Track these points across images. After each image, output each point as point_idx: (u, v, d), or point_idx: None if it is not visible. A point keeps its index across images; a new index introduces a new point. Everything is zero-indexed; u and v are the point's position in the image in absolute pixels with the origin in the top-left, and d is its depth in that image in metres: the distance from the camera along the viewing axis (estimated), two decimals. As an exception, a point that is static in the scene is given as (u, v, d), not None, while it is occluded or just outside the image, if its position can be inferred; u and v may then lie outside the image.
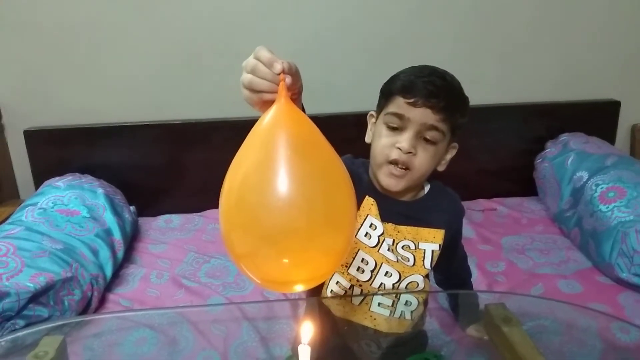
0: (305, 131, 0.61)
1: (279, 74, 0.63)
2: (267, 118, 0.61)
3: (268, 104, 0.64)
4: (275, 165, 0.57)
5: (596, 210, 1.65)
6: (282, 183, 0.56)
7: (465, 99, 0.93)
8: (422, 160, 0.89)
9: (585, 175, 1.79)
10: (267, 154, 0.58)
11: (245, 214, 0.58)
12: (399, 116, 0.89)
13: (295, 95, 0.67)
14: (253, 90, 0.65)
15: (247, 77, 0.65)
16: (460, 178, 1.30)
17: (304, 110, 0.64)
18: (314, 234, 0.58)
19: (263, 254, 0.59)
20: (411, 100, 0.87)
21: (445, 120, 0.88)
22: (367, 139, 0.98)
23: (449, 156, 0.96)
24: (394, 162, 0.90)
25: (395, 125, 0.90)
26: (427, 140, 0.89)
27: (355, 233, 0.92)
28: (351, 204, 0.62)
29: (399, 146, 0.88)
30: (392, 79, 0.93)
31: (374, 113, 0.98)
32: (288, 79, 0.63)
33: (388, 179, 0.91)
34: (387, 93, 0.92)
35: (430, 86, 0.87)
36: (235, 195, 0.59)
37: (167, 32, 1.91)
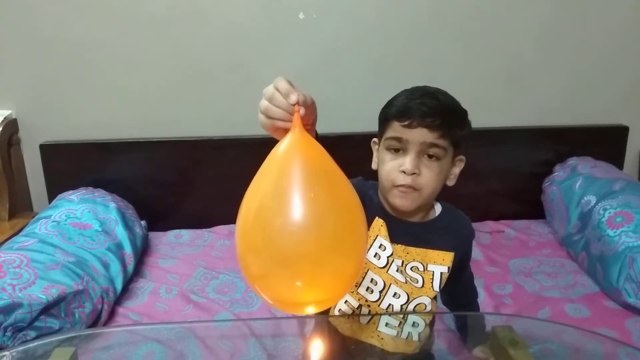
0: (317, 159, 0.64)
1: (294, 105, 0.66)
2: (282, 146, 0.64)
3: (280, 131, 0.67)
4: (289, 191, 0.60)
5: (604, 234, 1.65)
6: (296, 209, 0.59)
7: (461, 112, 0.95)
8: (428, 178, 0.91)
9: (593, 199, 1.79)
10: (282, 180, 0.61)
11: (260, 237, 0.61)
12: (398, 139, 0.91)
13: (309, 126, 0.71)
14: (268, 116, 0.69)
15: (264, 103, 0.69)
16: (468, 200, 1.31)
17: (317, 139, 0.67)
18: (326, 258, 0.61)
19: (277, 275, 0.61)
20: (406, 123, 0.90)
21: (444, 136, 0.90)
22: (374, 166, 1.00)
23: (457, 170, 0.98)
24: (401, 186, 0.91)
25: (396, 147, 0.92)
26: (430, 157, 0.91)
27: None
28: (362, 230, 0.65)
29: (403, 169, 0.90)
30: (387, 105, 0.96)
31: (376, 140, 1.00)
32: (302, 111, 0.66)
33: (399, 200, 0.93)
34: (384, 119, 0.95)
35: (424, 107, 0.89)
36: (251, 218, 0.62)
37: (180, 50, 1.95)
